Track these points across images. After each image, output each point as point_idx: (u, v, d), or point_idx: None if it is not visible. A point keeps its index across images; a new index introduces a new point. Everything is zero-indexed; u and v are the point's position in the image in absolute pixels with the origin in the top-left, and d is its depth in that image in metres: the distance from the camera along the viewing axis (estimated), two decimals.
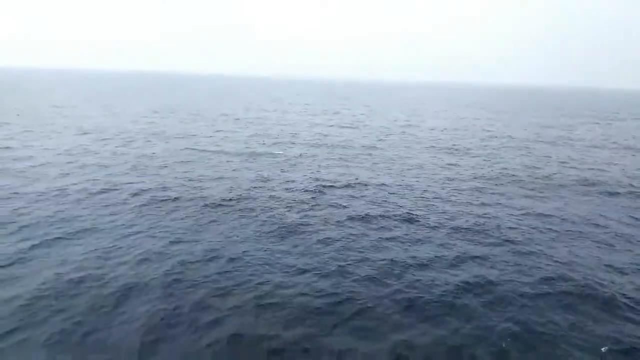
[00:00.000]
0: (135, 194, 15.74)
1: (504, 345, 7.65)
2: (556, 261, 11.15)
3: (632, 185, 19.88)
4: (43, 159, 21.16)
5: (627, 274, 10.62)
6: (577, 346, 7.72)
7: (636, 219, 14.95)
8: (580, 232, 13.54)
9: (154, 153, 23.82)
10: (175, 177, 18.46)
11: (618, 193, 18.54)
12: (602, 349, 7.65)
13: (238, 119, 43.86)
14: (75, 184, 16.80)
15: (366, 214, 14.45)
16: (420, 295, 9.25)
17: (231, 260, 10.55)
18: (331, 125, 41.14)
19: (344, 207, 15.25)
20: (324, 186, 17.87)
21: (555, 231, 13.50)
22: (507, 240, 12.51)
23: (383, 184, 18.69)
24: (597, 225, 14.17)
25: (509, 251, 11.75)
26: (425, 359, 7.33)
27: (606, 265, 11.01)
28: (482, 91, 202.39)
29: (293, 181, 18.64)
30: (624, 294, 9.58)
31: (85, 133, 30.07)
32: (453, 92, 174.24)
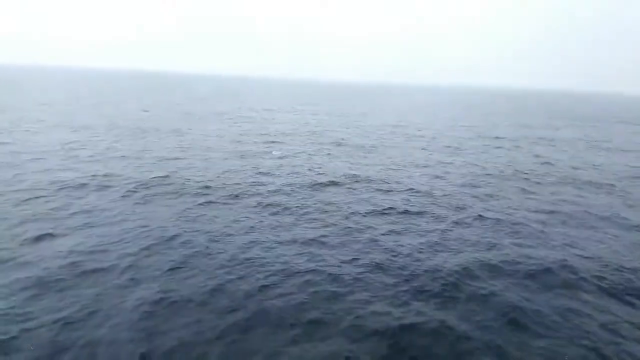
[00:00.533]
0: (134, 188, 15.82)
1: (500, 335, 7.97)
2: (551, 253, 11.56)
3: (613, 186, 20.49)
4: (39, 153, 21.08)
5: (620, 267, 11.05)
6: (571, 336, 8.07)
7: (623, 217, 15.46)
8: (571, 225, 14.02)
9: (149, 149, 23.88)
10: (173, 173, 18.56)
11: (604, 191, 19.12)
12: (596, 340, 8.01)
13: (231, 118, 43.95)
14: (72, 178, 16.78)
15: (365, 210, 14.76)
16: (421, 286, 9.57)
17: (235, 252, 10.75)
18: (325, 125, 41.49)
19: (342, 203, 15.53)
20: (320, 183, 18.14)
21: (548, 225, 13.95)
22: (502, 234, 12.92)
23: (379, 181, 19.02)
24: (586, 221, 14.66)
25: (505, 244, 12.14)
26: (427, 348, 7.57)
27: (598, 258, 11.44)
28: (481, 95, 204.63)
29: (290, 178, 18.87)
30: (614, 285, 10.05)
31: (77, 130, 29.92)
32: (453, 95, 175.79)
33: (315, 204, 15.27)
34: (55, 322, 7.45)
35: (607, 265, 11.11)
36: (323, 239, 12.03)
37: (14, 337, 6.92)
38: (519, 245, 12.24)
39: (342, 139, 31.91)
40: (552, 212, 15.58)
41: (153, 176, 17.71)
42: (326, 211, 14.54)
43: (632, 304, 9.33)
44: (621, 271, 10.80)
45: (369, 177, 19.77)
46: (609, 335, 8.16)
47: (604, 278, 10.40)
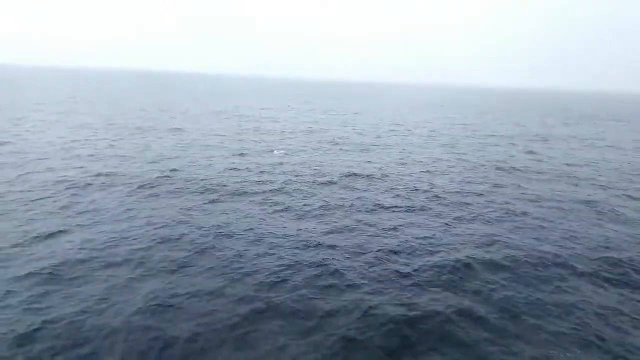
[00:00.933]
0: (138, 187, 16.01)
1: (504, 326, 8.26)
2: (551, 247, 11.90)
3: (609, 181, 20.92)
4: (41, 153, 21.19)
5: (619, 260, 11.37)
6: (573, 326, 8.36)
7: (619, 212, 15.81)
8: (569, 220, 14.35)
9: (150, 148, 24.02)
10: (176, 171, 18.69)
11: (599, 186, 19.52)
12: (595, 330, 8.32)
13: (228, 117, 44.06)
14: (77, 178, 16.93)
15: (367, 206, 15.05)
16: (426, 280, 9.87)
17: (243, 248, 11.01)
18: (325, 123, 41.76)
19: (344, 200, 15.78)
20: (322, 181, 18.39)
21: (547, 220, 14.25)
22: (502, 229, 13.25)
23: (379, 178, 19.29)
24: (584, 215, 15.02)
25: (506, 238, 12.44)
26: (434, 339, 7.80)
27: (597, 250, 11.78)
28: (479, 94, 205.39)
29: (291, 176, 19.10)
30: (612, 276, 10.42)
31: (77, 129, 30.00)
32: (460, 95, 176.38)
33: (318, 201, 15.51)
34: (74, 313, 7.68)
35: (604, 257, 11.45)
36: (329, 235, 12.29)
37: (37, 330, 7.14)
38: (520, 239, 12.55)
39: (341, 138, 32.19)
40: (550, 207, 15.93)
41: (157, 175, 17.87)
42: (330, 208, 14.80)
43: (629, 296, 9.66)
44: (619, 264, 11.14)
45: (369, 174, 20.04)
46: (608, 325, 8.45)
47: (602, 270, 10.74)
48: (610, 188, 19.54)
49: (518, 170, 22.60)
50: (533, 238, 12.73)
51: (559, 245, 12.17)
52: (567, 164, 25.00)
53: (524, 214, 15.03)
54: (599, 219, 14.82)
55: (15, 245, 10.45)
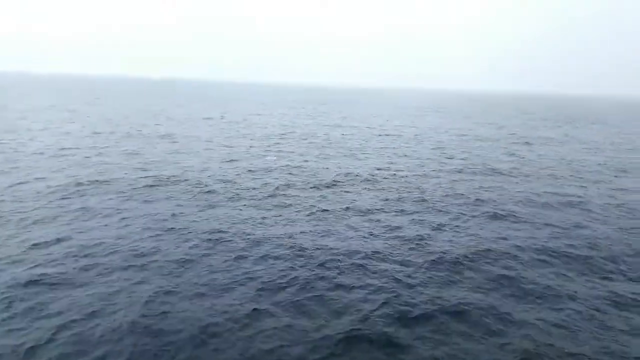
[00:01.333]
0: (132, 193, 16.11)
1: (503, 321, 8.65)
2: (543, 244, 12.43)
3: (581, 180, 21.79)
4: (32, 161, 21.06)
5: (612, 256, 11.96)
6: (568, 324, 8.79)
7: (608, 210, 16.47)
8: (557, 218, 14.93)
9: (139, 153, 24.04)
10: (170, 177, 18.75)
11: (586, 185, 20.22)
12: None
13: (218, 123, 44.13)
14: (70, 184, 16.91)
15: (362, 208, 15.45)
16: (425, 278, 10.24)
17: (242, 252, 11.24)
18: (315, 128, 42.14)
19: (339, 202, 16.10)
20: (315, 185, 18.69)
21: (536, 222, 14.78)
22: (492, 231, 13.72)
23: (372, 181, 19.69)
24: (565, 210, 15.62)
25: (497, 235, 12.92)
26: (437, 334, 8.14)
27: (586, 246, 12.37)
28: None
29: (285, 181, 19.33)
30: (606, 270, 10.97)
31: (66, 136, 29.78)
32: (453, 99, 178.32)
33: (311, 206, 15.75)
34: (81, 319, 7.80)
35: (592, 255, 11.98)
36: (324, 239, 12.54)
37: (46, 337, 7.25)
38: (509, 239, 12.99)
39: (331, 142, 32.58)
40: (537, 207, 16.49)
41: (149, 182, 17.91)
42: (322, 212, 15.06)
43: (616, 292, 10.11)
44: (606, 262, 11.67)
45: (359, 179, 20.39)
46: (598, 321, 8.85)
47: (590, 267, 11.27)
48: (593, 188, 20.24)
49: (504, 172, 23.20)
50: (522, 238, 13.20)
51: (548, 245, 12.65)
52: (552, 166, 25.74)
53: (512, 214, 15.53)
54: (585, 219, 15.40)
55: (14, 255, 10.46)
